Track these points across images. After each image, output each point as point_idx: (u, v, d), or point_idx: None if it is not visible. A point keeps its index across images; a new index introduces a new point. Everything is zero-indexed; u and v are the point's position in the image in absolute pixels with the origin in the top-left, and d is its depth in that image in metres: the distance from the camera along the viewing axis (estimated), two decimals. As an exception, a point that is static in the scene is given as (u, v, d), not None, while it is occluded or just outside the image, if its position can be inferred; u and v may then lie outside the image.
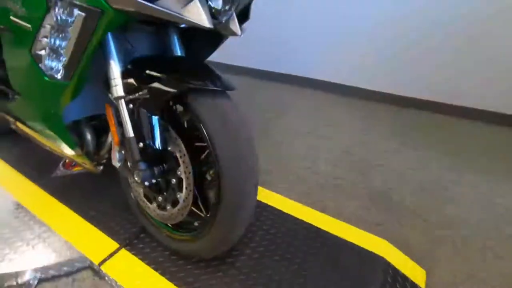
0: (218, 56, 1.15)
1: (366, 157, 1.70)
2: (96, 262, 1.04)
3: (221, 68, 1.11)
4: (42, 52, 0.81)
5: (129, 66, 0.86)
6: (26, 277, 1.03)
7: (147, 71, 0.82)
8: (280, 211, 1.24)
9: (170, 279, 0.98)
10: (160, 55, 1.00)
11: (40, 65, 0.83)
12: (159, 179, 0.92)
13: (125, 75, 0.84)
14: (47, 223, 1.20)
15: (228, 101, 0.84)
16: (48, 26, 0.78)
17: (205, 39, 1.04)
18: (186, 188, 0.90)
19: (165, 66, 0.85)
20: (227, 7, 0.78)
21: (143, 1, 0.69)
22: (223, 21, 0.80)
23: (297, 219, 1.20)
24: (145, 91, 0.79)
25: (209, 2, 0.75)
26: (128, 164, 0.90)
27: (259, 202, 1.26)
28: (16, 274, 1.04)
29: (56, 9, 0.75)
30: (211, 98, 0.80)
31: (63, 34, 0.77)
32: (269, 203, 1.28)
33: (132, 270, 1.01)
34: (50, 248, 1.10)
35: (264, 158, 1.63)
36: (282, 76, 2.80)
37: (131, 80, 0.83)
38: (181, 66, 0.89)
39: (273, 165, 1.61)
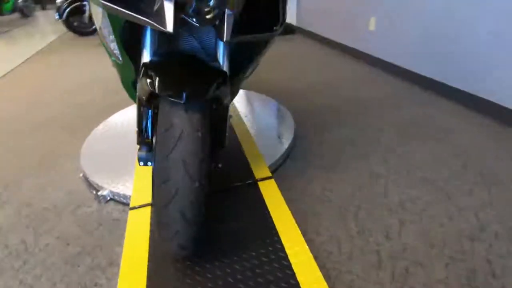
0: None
1: None
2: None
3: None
4: (108, 41, 0.96)
5: (153, 58, 0.85)
6: (104, 192, 1.37)
7: (149, 67, 0.80)
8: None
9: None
10: (185, 54, 0.98)
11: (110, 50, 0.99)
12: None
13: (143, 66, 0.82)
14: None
15: (196, 115, 0.76)
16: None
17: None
18: None
19: (170, 66, 0.83)
20: (207, 9, 0.75)
21: (109, 4, 0.72)
22: (205, 23, 0.76)
23: None
24: (138, 85, 0.82)
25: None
26: None
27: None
28: (99, 188, 1.40)
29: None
30: (178, 108, 0.75)
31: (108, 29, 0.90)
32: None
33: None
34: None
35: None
36: (457, 92, 2.12)
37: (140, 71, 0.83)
38: (184, 70, 0.84)
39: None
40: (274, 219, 1.14)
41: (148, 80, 0.74)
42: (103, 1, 0.70)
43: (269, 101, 2.18)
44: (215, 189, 1.32)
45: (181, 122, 0.73)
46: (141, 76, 0.79)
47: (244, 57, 1.04)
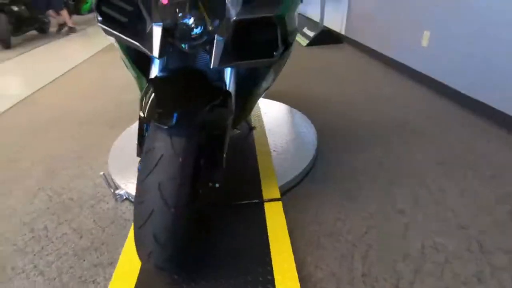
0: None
1: None
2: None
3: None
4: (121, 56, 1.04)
5: (160, 74, 0.87)
6: (121, 191, 1.43)
7: (151, 85, 0.82)
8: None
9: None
10: (192, 71, 0.97)
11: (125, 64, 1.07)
12: None
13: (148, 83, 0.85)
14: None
15: (179, 140, 0.75)
16: None
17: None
18: None
19: (169, 85, 0.83)
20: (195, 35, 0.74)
21: (104, 26, 0.75)
22: (193, 48, 0.77)
23: None
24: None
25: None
26: None
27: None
28: (116, 187, 1.48)
29: None
30: (162, 131, 0.75)
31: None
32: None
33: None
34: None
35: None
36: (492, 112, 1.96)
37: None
38: (181, 90, 0.83)
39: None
40: (271, 247, 1.09)
41: (142, 101, 0.76)
42: (99, 24, 0.74)
43: (297, 115, 2.11)
44: (220, 203, 1.31)
45: (162, 146, 0.73)
46: (142, 93, 0.81)
47: (254, 77, 1.00)
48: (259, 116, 2.07)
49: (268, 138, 1.80)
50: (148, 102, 0.74)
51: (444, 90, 2.40)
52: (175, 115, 0.71)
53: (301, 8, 4.75)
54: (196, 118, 0.75)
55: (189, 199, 0.78)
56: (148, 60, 0.93)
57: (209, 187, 1.01)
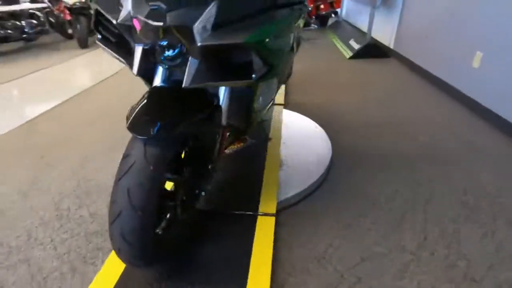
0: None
1: None
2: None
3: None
4: None
5: (159, 85, 0.94)
6: None
7: (146, 95, 0.88)
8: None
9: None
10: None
11: None
12: None
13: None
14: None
15: (152, 150, 0.80)
16: None
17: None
18: None
19: (161, 97, 0.89)
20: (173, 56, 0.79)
21: (101, 44, 0.84)
22: (172, 68, 0.82)
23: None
24: None
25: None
26: None
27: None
28: None
29: None
30: (138, 140, 0.80)
31: None
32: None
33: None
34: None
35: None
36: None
37: None
38: (170, 102, 0.88)
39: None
40: (251, 265, 1.09)
41: (130, 109, 0.83)
42: (97, 42, 0.83)
43: (317, 131, 2.06)
44: (215, 210, 1.35)
45: (136, 153, 0.79)
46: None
47: (247, 94, 1.02)
48: (279, 128, 2.07)
49: (281, 151, 1.79)
50: (133, 111, 0.81)
51: (491, 117, 2.13)
52: (150, 127, 0.77)
53: (350, 17, 4.67)
54: (173, 130, 0.80)
55: (157, 204, 0.83)
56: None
57: (195, 194, 1.05)
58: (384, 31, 4.19)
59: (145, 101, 0.84)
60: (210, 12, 0.72)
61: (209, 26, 0.72)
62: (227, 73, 0.80)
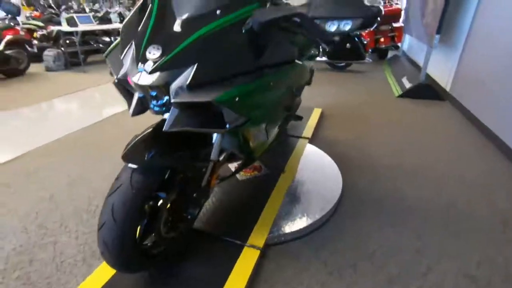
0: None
1: None
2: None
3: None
4: None
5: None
6: None
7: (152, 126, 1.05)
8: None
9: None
10: None
11: None
12: None
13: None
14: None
15: (138, 177, 0.95)
16: None
17: None
18: None
19: (155, 133, 1.04)
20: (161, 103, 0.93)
21: (115, 85, 1.00)
22: (159, 113, 0.94)
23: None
24: None
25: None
26: None
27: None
28: None
29: None
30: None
31: None
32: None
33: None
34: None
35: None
36: None
37: None
38: (161, 138, 1.02)
39: None
40: (223, 290, 1.16)
41: (132, 138, 1.01)
42: (113, 83, 1.03)
43: (332, 170, 2.05)
44: (205, 232, 1.46)
45: (124, 177, 0.96)
46: None
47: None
48: (296, 162, 2.12)
49: (291, 185, 1.84)
50: (132, 140, 0.99)
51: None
52: (139, 158, 0.93)
53: (412, 52, 4.48)
54: (158, 163, 0.95)
55: (136, 221, 0.98)
56: None
57: (182, 217, 1.19)
58: (441, 72, 3.93)
59: (143, 134, 1.02)
60: (187, 73, 0.87)
61: (185, 86, 0.87)
62: (203, 122, 0.93)
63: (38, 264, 1.39)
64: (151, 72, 0.86)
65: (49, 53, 5.38)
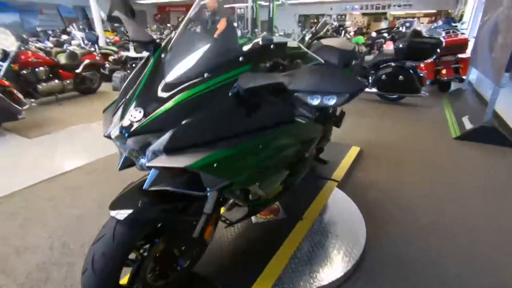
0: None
1: None
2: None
3: None
4: None
5: None
6: None
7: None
8: None
9: None
10: None
11: None
12: None
13: None
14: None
15: (120, 228, 0.96)
16: None
17: None
18: None
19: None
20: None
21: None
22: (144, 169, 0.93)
23: None
24: None
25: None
26: None
27: None
28: None
29: None
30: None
31: None
32: None
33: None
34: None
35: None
36: None
37: None
38: (150, 191, 1.00)
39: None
40: None
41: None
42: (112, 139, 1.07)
43: (357, 224, 1.84)
44: (201, 276, 1.41)
45: (108, 227, 0.97)
46: None
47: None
48: (318, 207, 1.98)
49: (306, 235, 1.71)
50: (123, 190, 1.02)
51: None
52: (124, 211, 0.94)
53: (480, 86, 4.00)
54: (142, 217, 0.96)
55: (116, 271, 0.98)
56: None
57: (172, 267, 1.17)
58: (513, 113, 3.38)
59: (135, 183, 1.04)
60: (164, 138, 0.87)
61: (160, 149, 0.86)
62: (183, 183, 0.91)
63: (51, 284, 1.49)
64: (130, 135, 0.89)
65: (117, 75, 6.10)
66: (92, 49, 6.00)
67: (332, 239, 1.70)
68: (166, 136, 0.87)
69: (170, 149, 0.87)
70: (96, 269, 0.94)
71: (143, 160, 0.95)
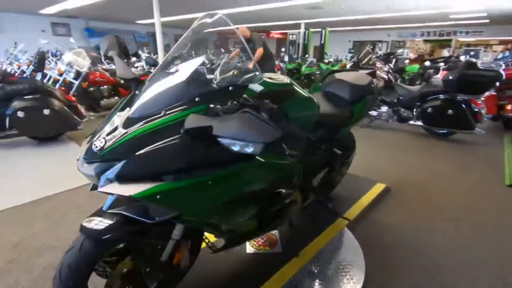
0: None
1: None
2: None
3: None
4: None
5: None
6: None
7: None
8: None
9: None
10: None
11: None
12: None
13: None
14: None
15: (89, 244, 1.04)
16: None
17: None
18: None
19: None
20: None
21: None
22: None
23: None
24: None
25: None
26: None
27: None
28: None
29: None
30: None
31: None
32: None
33: None
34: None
35: None
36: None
37: None
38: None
39: None
40: None
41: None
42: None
43: (358, 270, 1.69)
44: None
45: (78, 240, 1.07)
46: None
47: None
48: (318, 244, 1.88)
49: (295, 276, 1.63)
50: (94, 211, 1.12)
51: None
52: (92, 229, 1.03)
53: None
54: (110, 237, 1.04)
55: (81, 282, 1.07)
56: None
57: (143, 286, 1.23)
58: None
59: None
60: (116, 167, 0.96)
61: (112, 177, 0.94)
62: (135, 210, 0.98)
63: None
64: (88, 162, 0.99)
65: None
66: (152, 70, 6.75)
67: (321, 285, 1.59)
68: (119, 165, 0.96)
69: (121, 178, 0.95)
70: (62, 278, 1.05)
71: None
